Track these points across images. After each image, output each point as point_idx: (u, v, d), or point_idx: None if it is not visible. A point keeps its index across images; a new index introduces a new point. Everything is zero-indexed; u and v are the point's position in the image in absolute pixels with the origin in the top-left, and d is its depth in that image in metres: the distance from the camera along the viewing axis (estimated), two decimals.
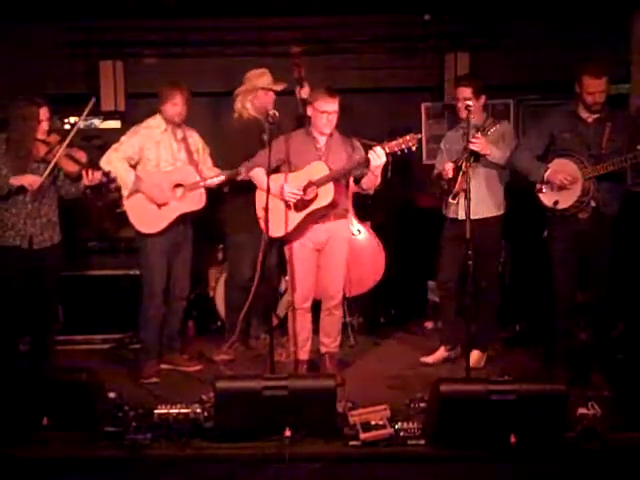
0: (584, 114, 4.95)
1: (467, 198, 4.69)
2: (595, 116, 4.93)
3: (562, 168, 4.94)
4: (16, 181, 4.93)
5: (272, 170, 4.98)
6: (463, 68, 7.03)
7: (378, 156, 4.83)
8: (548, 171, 4.97)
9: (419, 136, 4.95)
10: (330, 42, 7.08)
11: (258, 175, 5.08)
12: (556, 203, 4.96)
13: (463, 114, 5.14)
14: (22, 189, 4.94)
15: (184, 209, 5.32)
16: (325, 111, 4.94)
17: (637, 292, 5.79)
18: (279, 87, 5.73)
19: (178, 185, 5.30)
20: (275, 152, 4.94)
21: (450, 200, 5.31)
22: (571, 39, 6.85)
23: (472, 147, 5.08)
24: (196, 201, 5.34)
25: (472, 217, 5.12)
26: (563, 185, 4.92)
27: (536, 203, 5.08)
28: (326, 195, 4.97)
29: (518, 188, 5.40)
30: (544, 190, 5.02)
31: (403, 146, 4.84)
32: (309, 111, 5.05)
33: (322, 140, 5.05)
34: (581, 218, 4.95)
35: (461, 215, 5.23)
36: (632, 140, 4.80)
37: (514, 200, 5.96)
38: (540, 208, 5.06)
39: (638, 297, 5.78)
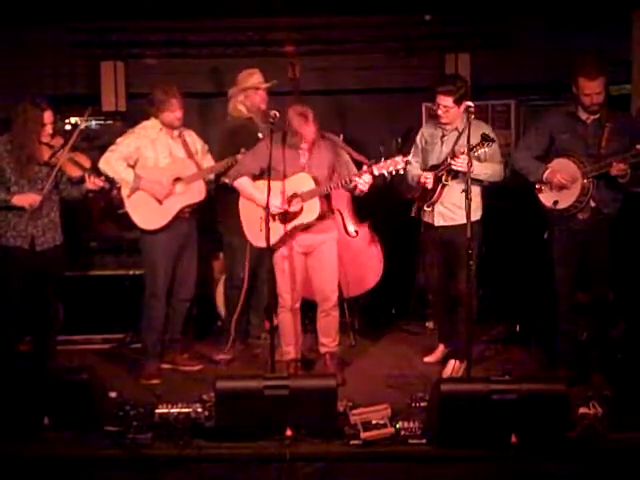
0: (583, 115, 4.94)
1: (467, 198, 4.65)
2: (594, 117, 4.92)
3: (561, 168, 4.94)
4: (18, 201, 4.98)
5: (256, 176, 5.00)
6: (463, 68, 7.04)
7: (365, 182, 4.84)
8: (547, 171, 4.97)
9: (407, 158, 4.92)
10: (330, 42, 7.08)
11: (244, 185, 5.05)
12: (556, 203, 4.95)
13: (444, 120, 5.11)
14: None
15: (185, 202, 5.31)
16: (304, 136, 4.89)
17: (637, 292, 5.79)
18: (266, 85, 5.74)
19: (177, 179, 5.31)
20: (259, 158, 4.92)
21: (426, 208, 5.21)
22: (571, 39, 6.85)
23: (455, 168, 4.95)
24: (196, 193, 5.34)
25: (449, 223, 5.15)
26: (562, 185, 4.92)
27: (536, 203, 5.08)
28: (312, 211, 4.95)
29: (518, 188, 5.40)
30: (543, 190, 5.02)
31: (391, 168, 4.82)
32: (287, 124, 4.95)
33: (304, 146, 5.01)
34: (581, 218, 4.95)
35: (437, 222, 5.18)
36: (632, 140, 4.80)
37: (514, 200, 5.98)
38: (540, 208, 5.06)
39: (638, 297, 5.78)
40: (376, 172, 4.83)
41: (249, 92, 5.72)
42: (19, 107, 5.01)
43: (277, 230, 4.96)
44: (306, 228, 5.04)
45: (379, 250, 6.11)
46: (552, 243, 5.07)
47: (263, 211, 4.80)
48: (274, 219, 4.94)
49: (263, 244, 4.82)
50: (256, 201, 4.95)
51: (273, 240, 4.90)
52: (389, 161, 4.83)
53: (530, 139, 5.21)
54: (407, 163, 4.88)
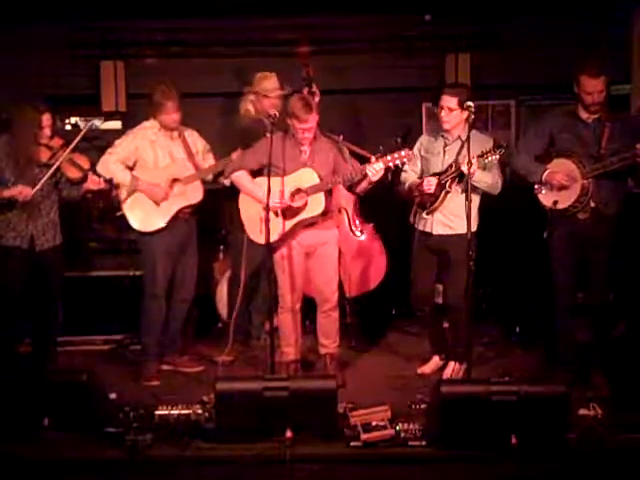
0: (583, 114, 4.94)
1: (467, 199, 4.64)
2: (594, 116, 4.92)
3: (561, 168, 4.94)
4: (8, 193, 4.94)
5: (254, 173, 4.99)
6: (463, 68, 7.04)
7: (376, 171, 4.82)
8: (547, 171, 4.97)
9: (413, 152, 5.00)
10: (330, 42, 7.07)
11: (241, 179, 5.05)
12: (555, 203, 4.95)
13: (446, 125, 5.03)
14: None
15: (183, 203, 5.31)
16: (301, 128, 4.89)
17: (638, 292, 5.79)
18: (277, 93, 5.72)
19: (175, 180, 5.31)
20: (259, 154, 4.91)
21: (424, 215, 5.15)
22: (571, 39, 6.86)
23: (464, 170, 4.80)
24: (194, 194, 5.34)
25: (445, 232, 5.10)
26: (561, 185, 4.92)
27: (536, 203, 5.07)
28: (317, 205, 4.95)
29: (518, 188, 5.40)
30: (543, 190, 5.02)
31: (398, 162, 4.86)
32: (288, 121, 4.95)
33: (307, 135, 4.99)
34: (581, 218, 4.95)
35: (435, 230, 5.12)
36: (632, 141, 4.79)
37: (514, 200, 5.97)
38: (540, 208, 5.06)
39: (639, 297, 5.78)
40: (383, 164, 4.83)
41: (259, 96, 5.73)
42: (17, 109, 5.01)
43: (280, 226, 4.95)
44: (309, 225, 5.03)
45: (383, 250, 6.11)
46: (552, 243, 5.06)
47: (263, 208, 4.79)
48: (277, 215, 4.94)
49: (264, 241, 4.81)
50: (255, 197, 4.93)
51: (275, 237, 4.91)
52: (396, 155, 4.85)
53: (529, 140, 5.21)
54: (411, 158, 4.91)
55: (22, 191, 4.93)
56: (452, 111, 4.98)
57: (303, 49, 6.04)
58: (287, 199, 4.92)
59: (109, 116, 7.12)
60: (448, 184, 5.02)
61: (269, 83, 5.73)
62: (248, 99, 5.77)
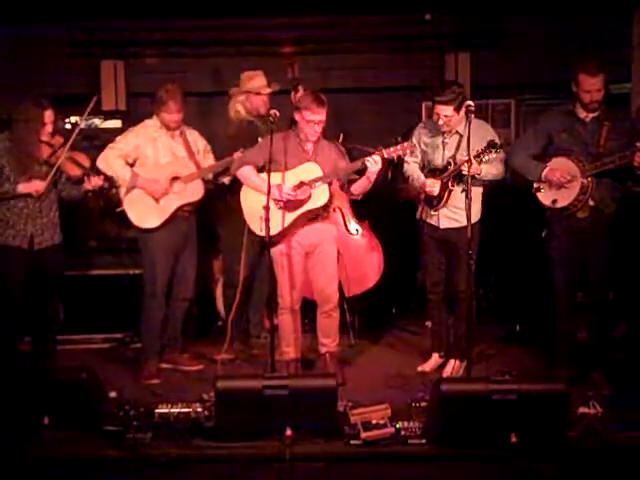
0: (582, 113, 4.94)
1: (467, 197, 4.64)
2: (593, 115, 4.92)
3: (560, 167, 4.94)
4: (24, 189, 4.98)
5: (258, 169, 5.01)
6: (463, 67, 7.05)
7: (375, 163, 4.84)
8: (545, 170, 4.97)
9: (413, 144, 5.04)
10: (330, 42, 7.08)
11: (247, 173, 5.06)
12: (554, 202, 4.95)
13: (444, 128, 5.04)
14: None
15: (182, 201, 5.32)
16: (312, 121, 4.92)
17: (638, 292, 5.78)
18: (268, 90, 5.72)
19: (175, 178, 5.31)
20: (264, 150, 4.91)
21: (432, 212, 5.18)
22: (571, 39, 6.87)
23: (466, 173, 4.82)
24: (194, 192, 5.34)
25: (452, 225, 5.13)
26: (561, 184, 4.92)
27: (535, 202, 5.07)
28: (321, 196, 4.97)
29: (517, 188, 5.40)
30: (542, 189, 5.02)
31: (400, 153, 4.89)
32: (296, 116, 5.00)
33: (310, 143, 5.03)
34: (580, 217, 4.95)
35: (442, 224, 5.15)
36: (631, 140, 4.79)
37: (514, 200, 5.98)
38: (539, 207, 5.06)
39: (639, 297, 5.78)
40: (385, 155, 4.86)
41: (250, 95, 5.71)
42: (20, 106, 5.02)
43: (285, 219, 4.97)
44: (310, 221, 5.04)
45: (379, 249, 6.11)
46: (551, 242, 5.07)
47: (270, 200, 4.78)
48: (280, 207, 4.95)
49: (270, 233, 4.81)
50: (261, 191, 4.87)
51: (278, 229, 4.93)
52: (398, 146, 4.89)
53: (528, 139, 5.21)
54: (412, 150, 4.96)
55: (38, 189, 4.97)
56: (450, 118, 5.00)
57: (289, 49, 6.04)
58: (290, 191, 4.93)
59: (109, 115, 7.12)
60: (450, 183, 5.05)
61: (258, 81, 5.72)
62: (237, 100, 5.75)
